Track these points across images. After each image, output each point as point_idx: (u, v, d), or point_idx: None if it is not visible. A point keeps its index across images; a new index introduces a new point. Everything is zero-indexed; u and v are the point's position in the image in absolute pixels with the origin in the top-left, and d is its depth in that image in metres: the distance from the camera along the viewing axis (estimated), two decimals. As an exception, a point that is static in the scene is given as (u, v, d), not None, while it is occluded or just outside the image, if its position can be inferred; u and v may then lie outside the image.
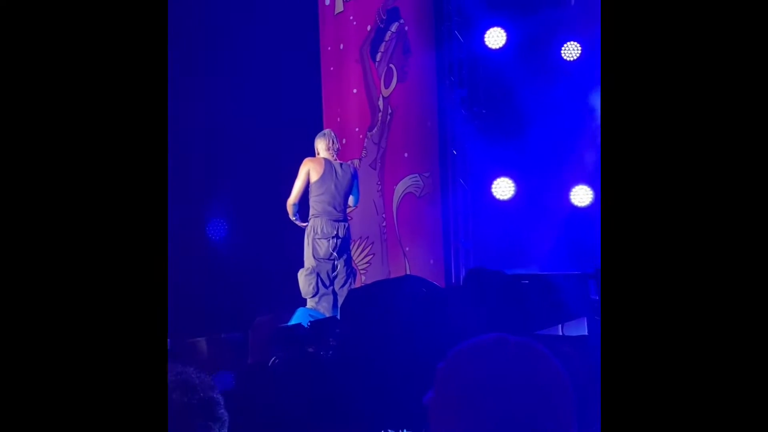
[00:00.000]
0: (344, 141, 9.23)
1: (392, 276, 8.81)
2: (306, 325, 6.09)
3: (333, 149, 7.72)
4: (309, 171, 7.55)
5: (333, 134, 7.92)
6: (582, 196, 8.09)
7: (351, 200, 7.77)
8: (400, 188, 9.19)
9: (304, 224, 7.60)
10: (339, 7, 9.89)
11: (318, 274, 7.44)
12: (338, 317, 6.47)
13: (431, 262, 8.79)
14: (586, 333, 5.53)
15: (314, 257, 7.46)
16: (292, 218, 7.59)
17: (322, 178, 7.52)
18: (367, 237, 9.40)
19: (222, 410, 1.91)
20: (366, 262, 9.38)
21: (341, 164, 7.75)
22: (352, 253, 9.15)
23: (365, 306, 5.41)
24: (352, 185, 7.71)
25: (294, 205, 7.56)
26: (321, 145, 7.73)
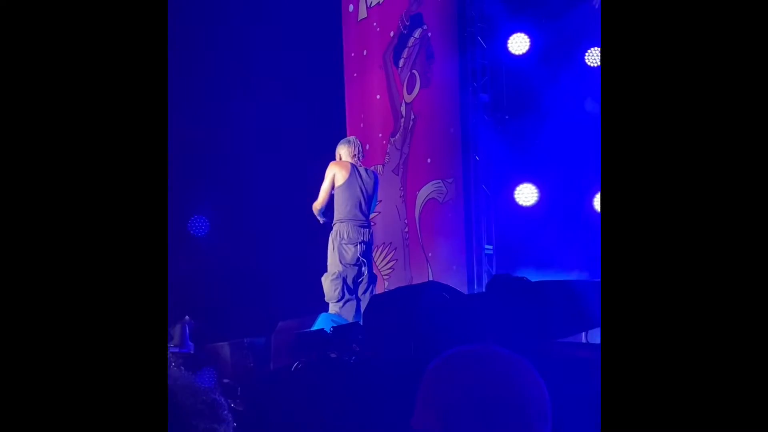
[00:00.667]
0: (367, 147, 9.24)
1: (414, 282, 8.81)
2: (329, 331, 6.10)
3: (357, 156, 7.72)
4: (335, 175, 7.55)
5: (358, 141, 7.91)
6: (605, 202, 8.04)
7: None
8: (422, 194, 9.19)
9: (323, 220, 7.62)
10: (363, 13, 9.92)
11: (344, 279, 7.44)
12: (361, 323, 6.48)
13: (454, 268, 8.77)
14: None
15: (341, 262, 7.45)
16: (319, 218, 7.63)
17: (348, 182, 7.51)
18: (390, 243, 9.41)
19: (226, 412, 1.92)
20: (389, 268, 9.38)
21: (365, 169, 7.76)
22: (375, 258, 9.14)
23: (388, 312, 5.42)
24: (375, 190, 7.72)
25: (320, 210, 7.56)
26: (344, 152, 7.72)
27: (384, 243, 9.39)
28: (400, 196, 9.40)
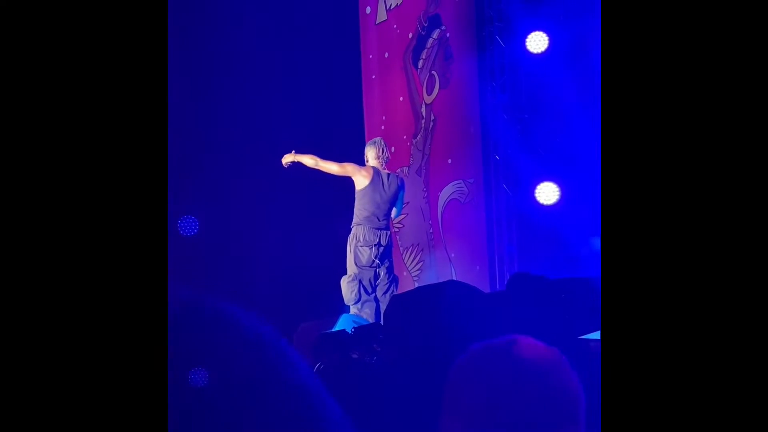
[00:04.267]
0: (393, 149, 9.27)
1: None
2: (350, 332, 6.12)
3: (382, 158, 7.74)
4: (355, 177, 7.58)
5: (383, 143, 7.93)
6: (627, 199, 8.01)
7: (393, 211, 7.78)
8: (444, 194, 9.20)
9: (288, 161, 7.59)
10: (382, 15, 9.93)
11: (360, 281, 7.48)
12: (382, 323, 6.50)
13: (477, 268, 8.78)
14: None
15: (356, 265, 7.49)
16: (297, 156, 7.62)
17: (369, 187, 7.55)
18: (418, 244, 9.43)
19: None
20: (418, 269, 9.41)
21: (388, 174, 7.76)
22: (405, 260, 9.17)
23: (408, 312, 5.42)
24: (398, 195, 7.73)
25: (315, 163, 7.57)
26: (371, 153, 7.76)
27: (413, 244, 9.42)
28: (424, 197, 9.42)
